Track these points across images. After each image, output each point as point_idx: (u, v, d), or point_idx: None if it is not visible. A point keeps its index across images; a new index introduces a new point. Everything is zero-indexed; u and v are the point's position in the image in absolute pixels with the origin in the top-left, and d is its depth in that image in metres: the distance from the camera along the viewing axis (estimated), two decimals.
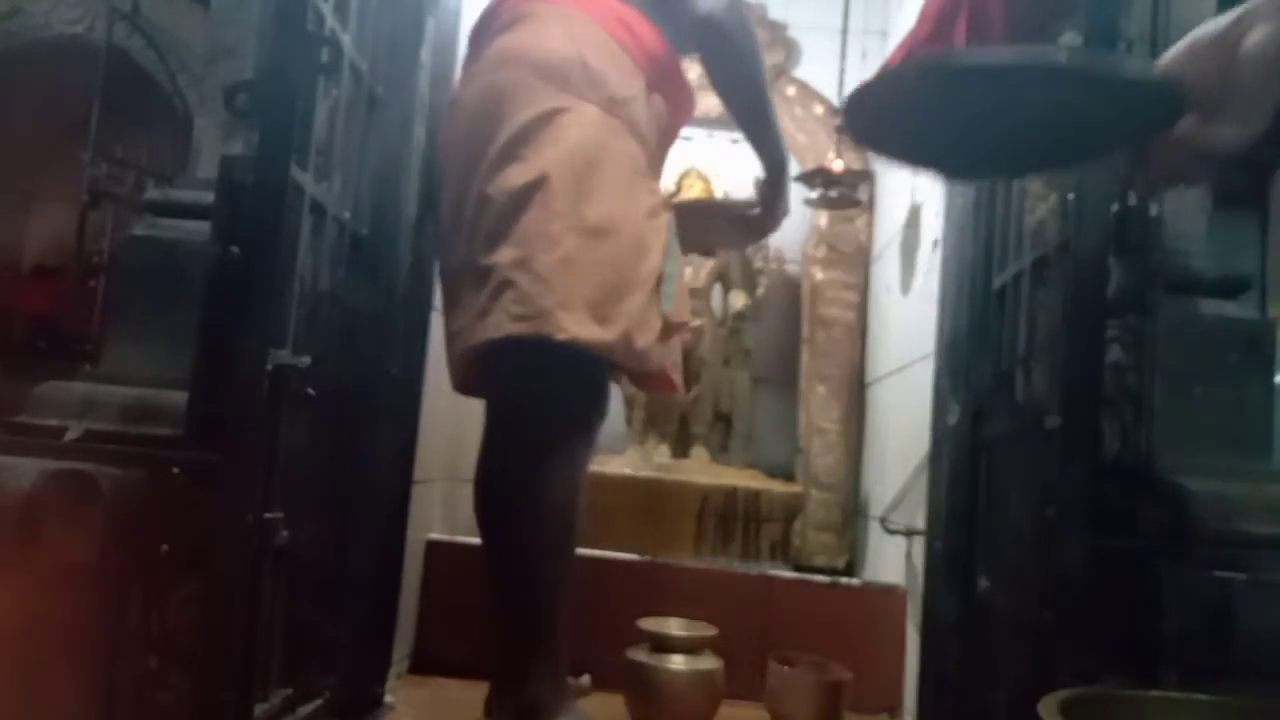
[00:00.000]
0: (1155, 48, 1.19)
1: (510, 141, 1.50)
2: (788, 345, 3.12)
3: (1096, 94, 0.69)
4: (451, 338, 1.57)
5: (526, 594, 1.54)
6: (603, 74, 1.54)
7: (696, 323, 1.66)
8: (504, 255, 1.45)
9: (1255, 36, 0.66)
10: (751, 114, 1.69)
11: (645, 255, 1.52)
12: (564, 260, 1.44)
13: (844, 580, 2.30)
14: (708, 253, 2.62)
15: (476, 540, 1.68)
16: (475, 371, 1.57)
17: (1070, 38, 1.37)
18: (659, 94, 1.63)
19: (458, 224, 1.55)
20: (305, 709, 1.53)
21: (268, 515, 1.31)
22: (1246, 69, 0.66)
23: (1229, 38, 0.67)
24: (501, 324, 1.43)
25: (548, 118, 1.50)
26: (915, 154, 0.91)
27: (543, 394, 1.52)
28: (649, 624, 1.90)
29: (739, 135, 1.75)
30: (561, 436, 1.55)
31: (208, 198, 1.25)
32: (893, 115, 0.76)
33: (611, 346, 1.47)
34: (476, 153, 1.52)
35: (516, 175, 1.48)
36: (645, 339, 1.51)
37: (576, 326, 1.43)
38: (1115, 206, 1.24)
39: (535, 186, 1.47)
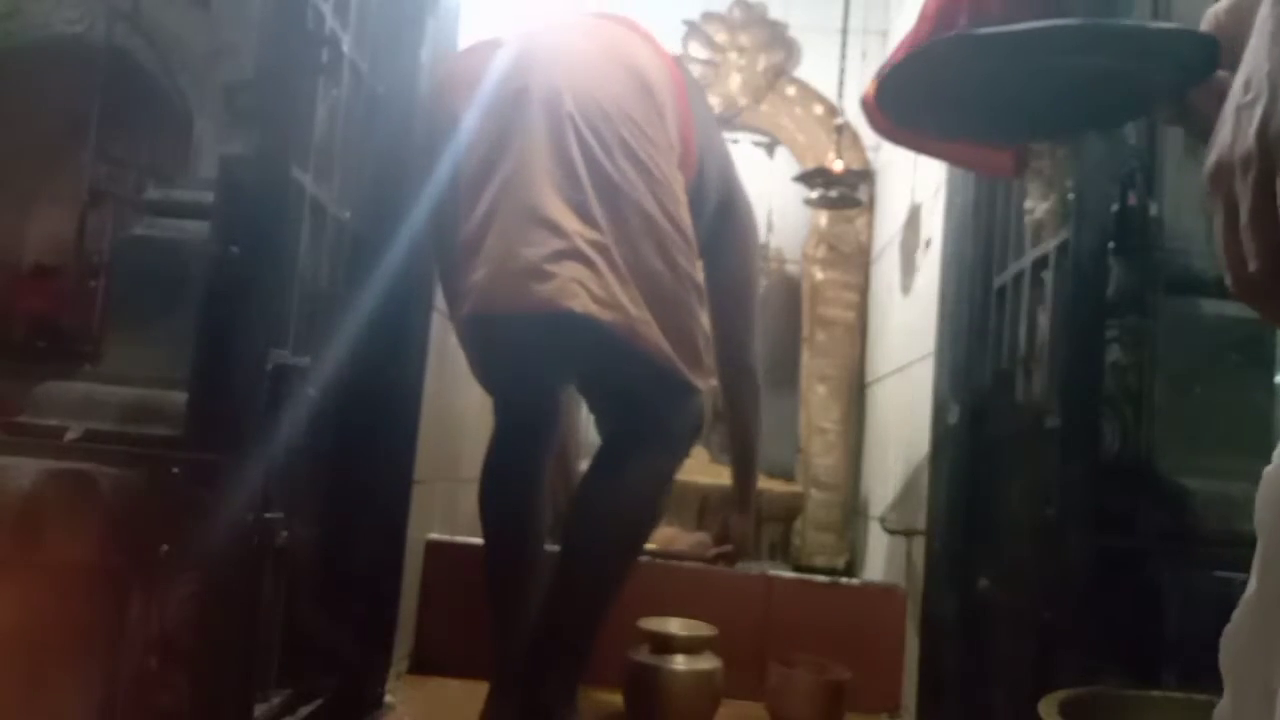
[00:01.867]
0: None
1: (650, 93, 1.53)
2: (788, 345, 3.12)
3: (1121, 53, 0.70)
4: (502, 264, 1.48)
5: (595, 606, 1.54)
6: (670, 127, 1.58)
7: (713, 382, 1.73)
8: (600, 219, 1.45)
9: None
10: (747, 455, 1.95)
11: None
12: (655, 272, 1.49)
13: (844, 580, 2.30)
14: None
15: (476, 540, 1.69)
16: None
17: None
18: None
19: (542, 129, 1.50)
20: (305, 709, 1.53)
21: (268, 515, 1.31)
22: None
23: None
24: (578, 298, 1.42)
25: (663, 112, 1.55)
26: (954, 127, 0.92)
27: (676, 416, 1.58)
28: (649, 624, 1.90)
29: (737, 136, 1.79)
30: (673, 460, 1.62)
31: (208, 198, 1.25)
32: (925, 91, 0.77)
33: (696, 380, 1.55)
34: (597, 68, 1.52)
35: (658, 132, 1.51)
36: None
37: (657, 339, 1.47)
38: (1115, 207, 1.24)
39: (667, 174, 1.50)
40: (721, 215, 1.79)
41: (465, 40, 1.90)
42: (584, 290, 1.41)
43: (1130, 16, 1.16)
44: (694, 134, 1.64)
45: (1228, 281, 0.50)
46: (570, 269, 1.41)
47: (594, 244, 1.43)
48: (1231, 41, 0.69)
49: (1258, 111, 0.46)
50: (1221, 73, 0.69)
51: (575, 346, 1.49)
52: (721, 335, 1.81)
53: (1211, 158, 0.49)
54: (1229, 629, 0.57)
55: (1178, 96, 0.72)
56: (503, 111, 1.52)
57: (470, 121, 1.53)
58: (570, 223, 1.43)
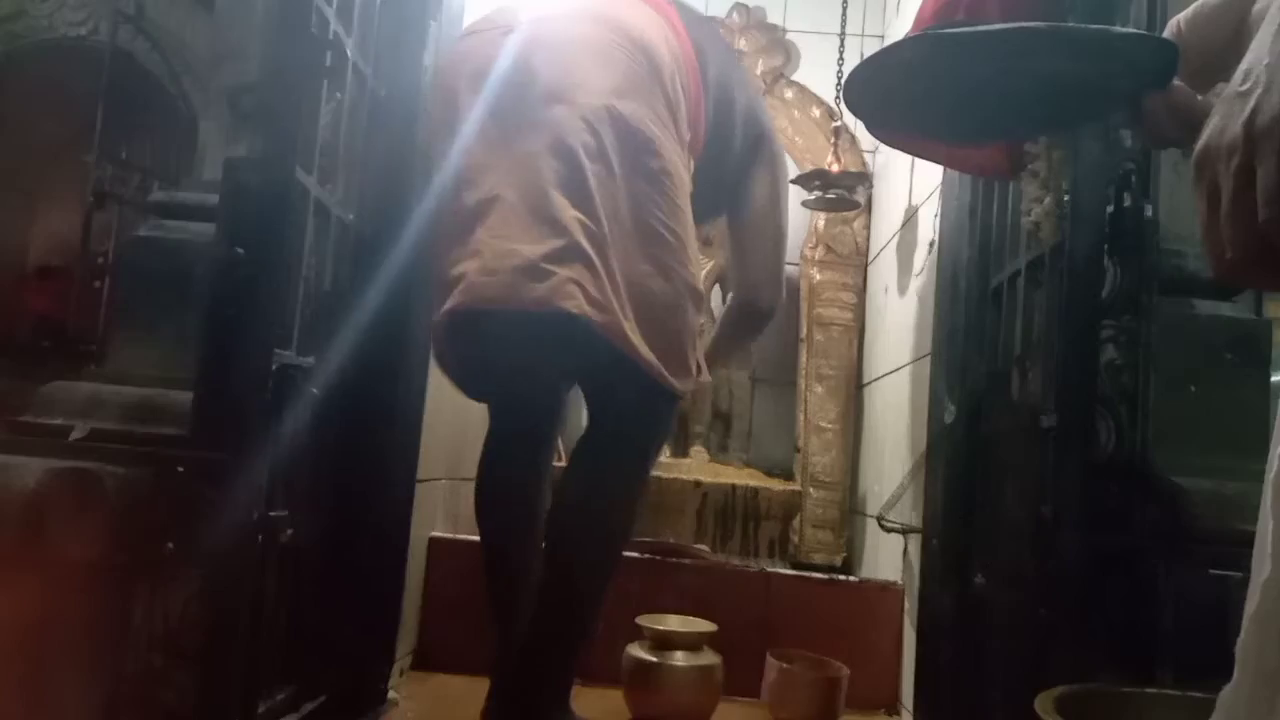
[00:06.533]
0: None
1: (659, 79, 1.51)
2: (786, 345, 3.13)
3: (1082, 56, 0.72)
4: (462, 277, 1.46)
5: (582, 609, 1.54)
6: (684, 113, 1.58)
7: (707, 379, 1.71)
8: (589, 219, 1.43)
9: (1263, 1, 0.67)
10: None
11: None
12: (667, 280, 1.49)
13: (841, 577, 2.31)
14: None
15: (479, 538, 1.69)
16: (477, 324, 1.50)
17: None
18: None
19: (532, 122, 1.48)
20: (309, 705, 1.54)
21: (272, 513, 1.32)
22: (1252, 34, 0.67)
23: (1237, 3, 0.68)
24: (574, 298, 1.40)
25: (676, 103, 1.55)
26: (916, 124, 0.93)
27: (652, 414, 1.58)
28: (648, 620, 1.92)
29: None
30: (651, 463, 1.63)
31: (212, 199, 1.26)
32: (892, 89, 0.78)
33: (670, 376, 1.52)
34: (605, 61, 1.50)
35: (665, 127, 1.50)
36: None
37: (642, 346, 1.47)
38: (1110, 208, 1.25)
39: (672, 176, 1.50)
40: (751, 151, 1.77)
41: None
42: (580, 290, 1.39)
43: (1125, 22, 1.17)
44: (705, 105, 1.65)
45: (1210, 266, 0.50)
46: (568, 268, 1.39)
47: (594, 242, 1.41)
48: (1189, 51, 0.70)
49: (1250, 102, 0.46)
50: (1177, 82, 0.70)
51: (566, 346, 1.47)
52: (737, 271, 1.82)
53: (1200, 143, 0.49)
54: (1255, 613, 0.57)
55: (1133, 102, 0.73)
56: (508, 105, 1.49)
57: (472, 112, 1.51)
58: (572, 220, 1.41)
